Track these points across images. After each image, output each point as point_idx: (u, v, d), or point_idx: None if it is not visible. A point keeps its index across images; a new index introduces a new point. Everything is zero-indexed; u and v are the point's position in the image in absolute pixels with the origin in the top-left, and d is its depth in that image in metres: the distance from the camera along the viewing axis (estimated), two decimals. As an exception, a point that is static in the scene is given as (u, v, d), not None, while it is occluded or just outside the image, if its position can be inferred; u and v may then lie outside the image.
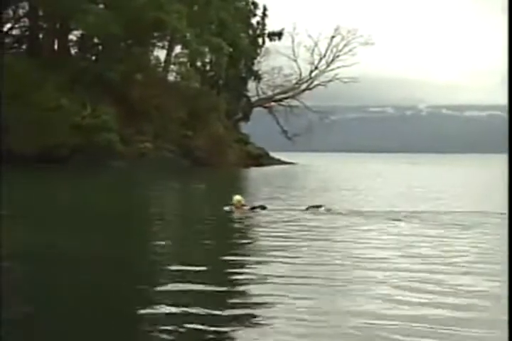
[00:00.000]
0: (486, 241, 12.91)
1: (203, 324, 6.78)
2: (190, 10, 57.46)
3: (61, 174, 40.90)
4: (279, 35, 78.32)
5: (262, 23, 76.77)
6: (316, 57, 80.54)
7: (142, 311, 7.34)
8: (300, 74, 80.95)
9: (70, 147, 49.48)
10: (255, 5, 75.71)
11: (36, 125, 47.81)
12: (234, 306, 7.48)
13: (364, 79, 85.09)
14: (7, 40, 59.36)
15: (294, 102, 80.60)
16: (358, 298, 7.80)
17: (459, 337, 6.46)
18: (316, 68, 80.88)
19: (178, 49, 62.89)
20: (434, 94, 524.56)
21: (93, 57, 62.20)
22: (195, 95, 59.81)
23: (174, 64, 63.24)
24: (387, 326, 6.67)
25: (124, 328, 6.95)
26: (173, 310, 7.27)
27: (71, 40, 60.60)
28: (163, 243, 12.69)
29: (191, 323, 6.79)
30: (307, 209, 18.45)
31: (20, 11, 59.74)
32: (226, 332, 6.56)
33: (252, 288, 8.37)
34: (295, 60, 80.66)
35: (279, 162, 75.10)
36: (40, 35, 58.77)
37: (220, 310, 7.27)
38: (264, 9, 76.34)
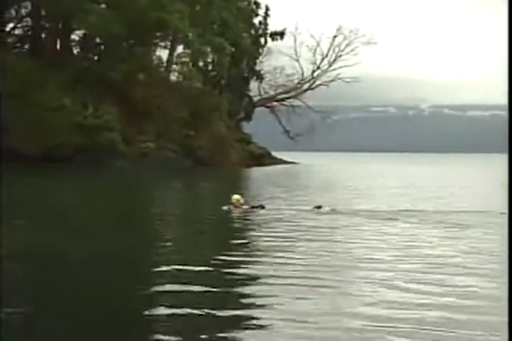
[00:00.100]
0: (486, 241, 12.90)
1: (202, 324, 6.79)
2: (192, 10, 57.49)
3: (63, 174, 40.92)
4: (281, 34, 78.32)
5: (264, 23, 76.75)
6: (318, 57, 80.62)
7: (142, 311, 7.35)
8: (302, 74, 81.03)
9: (72, 147, 49.54)
10: (257, 5, 75.76)
11: (38, 125, 47.89)
12: (233, 307, 7.48)
13: (366, 79, 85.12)
14: (9, 40, 59.50)
15: (296, 102, 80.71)
16: (357, 300, 7.77)
17: (459, 340, 6.43)
18: (318, 68, 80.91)
19: (180, 49, 63.06)
20: (436, 93, 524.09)
21: (95, 57, 62.27)
22: (197, 95, 59.82)
23: (176, 64, 63.31)
24: (387, 328, 6.64)
25: (124, 328, 6.94)
26: (173, 310, 7.27)
27: (73, 40, 60.67)
28: (163, 243, 12.69)
29: (191, 324, 6.81)
30: (314, 208, 18.54)
31: (23, 11, 59.89)
32: (225, 332, 6.55)
33: (252, 289, 8.36)
34: (297, 60, 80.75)
35: (281, 162, 75.12)
36: (43, 35, 58.81)
37: (220, 310, 7.26)
38: (267, 9, 76.42)
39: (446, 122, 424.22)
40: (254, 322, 6.89)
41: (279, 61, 79.28)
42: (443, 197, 25.67)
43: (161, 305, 7.50)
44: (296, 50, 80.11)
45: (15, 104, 46.62)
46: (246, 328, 6.70)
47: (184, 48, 62.54)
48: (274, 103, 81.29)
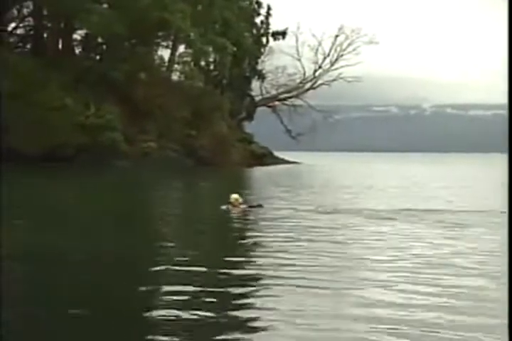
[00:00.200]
0: (487, 241, 12.89)
1: (202, 325, 6.80)
2: (194, 9, 57.49)
3: (65, 173, 40.95)
4: (283, 34, 78.30)
5: (265, 23, 76.73)
6: (320, 57, 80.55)
7: (142, 311, 7.36)
8: (304, 74, 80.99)
9: (74, 146, 49.58)
10: (259, 4, 75.76)
11: (40, 124, 47.94)
12: (233, 307, 7.48)
13: (368, 79, 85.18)
14: (12, 40, 59.58)
15: (297, 101, 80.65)
16: (357, 301, 7.75)
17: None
18: (320, 67, 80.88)
19: (182, 48, 63.08)
20: (438, 93, 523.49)
21: (97, 57, 62.30)
22: (198, 94, 59.84)
23: (178, 63, 63.33)
24: (388, 330, 6.62)
25: (124, 328, 6.95)
26: (173, 310, 7.27)
27: (75, 40, 60.76)
28: (163, 243, 12.71)
29: (190, 324, 6.81)
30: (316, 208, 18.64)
31: (25, 11, 59.96)
32: (225, 333, 6.55)
33: (252, 290, 8.37)
34: (299, 60, 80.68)
35: (283, 161, 75.09)
36: (45, 35, 58.88)
37: (219, 311, 7.27)
38: (268, 8, 76.43)
39: (448, 122, 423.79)
40: (254, 323, 6.90)
41: (280, 60, 79.42)
42: (444, 196, 25.64)
43: (161, 305, 7.52)
44: (297, 50, 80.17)
45: (17, 104, 46.66)
46: (246, 329, 6.71)
47: (186, 48, 62.58)
48: (276, 102, 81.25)
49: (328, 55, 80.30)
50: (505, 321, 6.10)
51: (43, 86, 49.56)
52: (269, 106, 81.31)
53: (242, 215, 17.25)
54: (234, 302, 7.75)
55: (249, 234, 14.25)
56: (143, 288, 8.48)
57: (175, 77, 63.74)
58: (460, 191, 30.05)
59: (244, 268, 9.84)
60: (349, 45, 79.24)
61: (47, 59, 52.98)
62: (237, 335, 6.50)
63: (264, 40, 77.08)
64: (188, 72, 62.77)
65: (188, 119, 57.82)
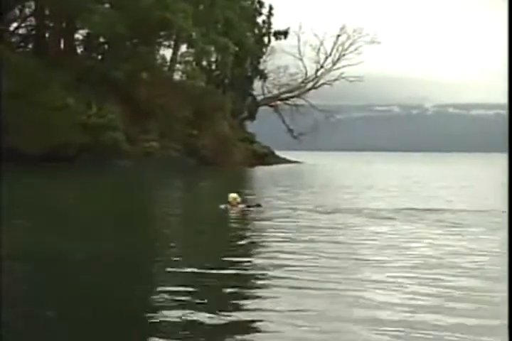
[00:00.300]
0: (487, 241, 12.88)
1: (202, 325, 6.79)
2: (195, 9, 57.49)
3: (67, 173, 40.97)
4: (284, 34, 78.28)
5: (267, 22, 76.73)
6: (322, 56, 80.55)
7: (142, 311, 7.39)
8: (306, 73, 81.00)
9: (75, 146, 49.61)
10: (261, 4, 75.73)
11: (42, 124, 47.96)
12: (233, 308, 7.48)
13: (369, 78, 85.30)
14: (13, 40, 59.59)
15: (299, 101, 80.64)
16: (357, 302, 7.72)
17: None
18: (322, 67, 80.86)
19: (183, 48, 63.09)
20: (438, 93, 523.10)
21: (99, 57, 62.32)
22: (200, 94, 59.84)
23: (180, 63, 63.33)
24: (388, 331, 6.59)
25: (124, 328, 6.96)
26: (173, 310, 7.28)
27: (77, 39, 60.77)
28: (163, 243, 12.74)
29: (190, 324, 6.82)
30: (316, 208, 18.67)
31: (27, 10, 59.97)
32: (225, 333, 6.57)
33: (252, 290, 8.39)
34: (301, 59, 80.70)
35: (285, 161, 75.11)
36: (47, 35, 58.88)
37: (219, 311, 7.26)
38: (270, 8, 76.38)
39: (450, 121, 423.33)
40: (254, 324, 6.89)
41: (282, 60, 79.43)
42: (444, 196, 25.64)
43: (161, 306, 7.52)
44: (299, 49, 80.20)
45: (18, 104, 46.69)
46: (245, 330, 6.71)
47: (188, 47, 62.60)
48: (278, 102, 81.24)
49: (330, 54, 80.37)
50: (506, 322, 6.09)
51: (45, 86, 49.59)
52: (271, 106, 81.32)
53: (240, 215, 17.26)
54: (233, 302, 7.74)
55: (248, 234, 14.22)
56: (143, 288, 8.50)
57: (177, 76, 63.84)
58: (461, 191, 30.06)
59: (243, 269, 9.84)
60: (351, 44, 79.31)
61: (49, 59, 53.00)
62: (237, 336, 6.49)
63: (266, 39, 77.10)
64: (190, 71, 62.78)
65: (190, 119, 57.84)
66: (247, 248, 12.12)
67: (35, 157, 45.58)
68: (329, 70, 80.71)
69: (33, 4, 58.85)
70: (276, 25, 77.80)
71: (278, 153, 76.13)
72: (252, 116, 77.76)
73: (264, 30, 76.58)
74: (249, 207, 18.27)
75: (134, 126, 53.76)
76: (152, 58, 61.94)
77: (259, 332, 6.68)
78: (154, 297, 8.03)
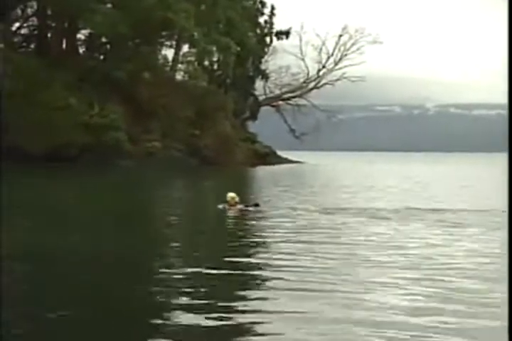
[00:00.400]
0: (487, 241, 12.87)
1: (202, 325, 6.80)
2: (197, 9, 57.56)
3: (69, 173, 41.01)
4: (286, 34, 78.32)
5: (269, 22, 76.78)
6: (324, 56, 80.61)
7: (142, 311, 7.40)
8: (307, 73, 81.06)
9: (77, 146, 49.66)
10: (263, 4, 75.81)
11: (44, 124, 48.00)
12: (233, 309, 7.49)
13: (371, 78, 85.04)
14: (16, 39, 59.62)
15: (301, 101, 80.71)
16: (357, 303, 7.70)
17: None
18: (324, 67, 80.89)
19: (185, 48, 63.21)
20: (440, 93, 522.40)
21: (101, 57, 62.41)
22: (202, 94, 59.88)
23: (182, 63, 63.41)
24: (387, 333, 6.57)
25: (124, 328, 6.97)
26: (173, 310, 7.30)
27: (79, 40, 60.84)
28: (163, 243, 12.75)
29: (190, 324, 6.82)
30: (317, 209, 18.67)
31: (29, 10, 60.05)
32: (225, 333, 6.58)
33: (251, 291, 8.38)
34: (302, 59, 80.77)
35: (287, 161, 75.14)
36: (49, 35, 58.94)
37: (219, 312, 7.27)
38: (272, 8, 76.46)
39: (451, 121, 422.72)
40: (254, 325, 6.88)
41: (284, 60, 79.47)
42: (445, 196, 25.65)
43: (161, 306, 7.55)
44: (301, 49, 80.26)
45: (20, 104, 46.75)
46: (245, 331, 6.71)
47: (190, 47, 62.72)
48: (280, 102, 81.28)
49: (332, 54, 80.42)
50: (506, 323, 6.09)
51: (47, 86, 49.63)
52: (273, 106, 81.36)
53: (239, 215, 17.26)
54: (233, 304, 7.73)
55: (248, 234, 14.21)
56: (143, 288, 8.50)
57: (179, 76, 63.91)
58: (462, 191, 30.06)
59: (243, 269, 9.84)
60: (353, 44, 79.39)
61: (51, 59, 53.05)
62: (236, 337, 6.50)
63: (267, 39, 77.15)
64: (192, 71, 62.83)
65: (192, 119, 57.87)
66: (246, 248, 12.11)
67: (37, 157, 45.63)
68: (331, 70, 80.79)
69: (35, 4, 58.94)
70: (278, 25, 78.05)
71: (280, 153, 76.16)
72: (253, 116, 77.79)
73: (266, 30, 76.63)
74: (247, 206, 18.27)
75: (136, 126, 53.80)
76: (154, 58, 61.99)
77: (258, 333, 6.67)
78: (154, 297, 8.05)
